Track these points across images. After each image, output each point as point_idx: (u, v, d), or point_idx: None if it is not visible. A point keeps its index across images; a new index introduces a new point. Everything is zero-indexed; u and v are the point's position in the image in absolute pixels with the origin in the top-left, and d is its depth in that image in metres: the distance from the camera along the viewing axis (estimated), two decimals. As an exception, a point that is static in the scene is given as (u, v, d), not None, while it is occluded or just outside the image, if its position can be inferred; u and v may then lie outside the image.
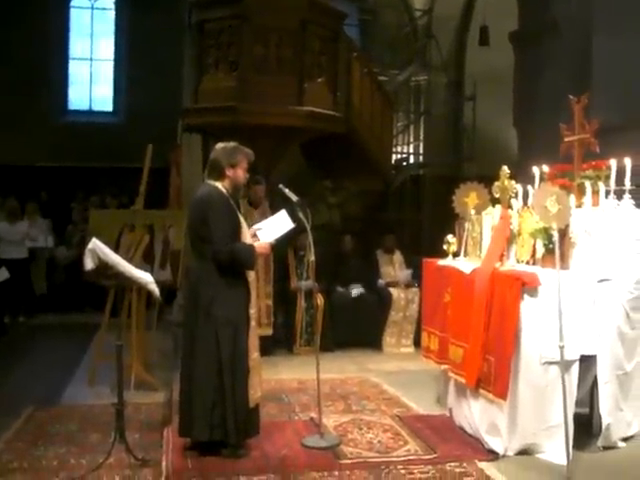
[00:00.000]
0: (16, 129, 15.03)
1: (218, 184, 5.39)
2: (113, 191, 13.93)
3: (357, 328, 9.67)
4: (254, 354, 5.49)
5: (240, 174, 5.46)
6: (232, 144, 5.53)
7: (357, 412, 6.64)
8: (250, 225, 5.72)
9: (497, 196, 6.29)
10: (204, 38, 9.27)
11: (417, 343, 8.69)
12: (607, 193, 5.94)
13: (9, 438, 5.79)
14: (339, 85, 9.65)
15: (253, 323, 5.55)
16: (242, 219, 5.49)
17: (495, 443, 5.52)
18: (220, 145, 5.54)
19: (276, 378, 7.80)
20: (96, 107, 17.49)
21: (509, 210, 6.14)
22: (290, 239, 9.54)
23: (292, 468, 5.14)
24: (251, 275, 5.49)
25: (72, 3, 17.33)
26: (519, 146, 10.97)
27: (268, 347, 8.42)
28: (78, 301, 12.21)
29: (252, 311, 5.51)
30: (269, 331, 8.10)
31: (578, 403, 5.52)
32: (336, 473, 5.07)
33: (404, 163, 14.04)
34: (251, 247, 5.39)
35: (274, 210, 7.07)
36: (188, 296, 5.50)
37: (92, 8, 17.61)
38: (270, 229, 5.62)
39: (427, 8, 13.61)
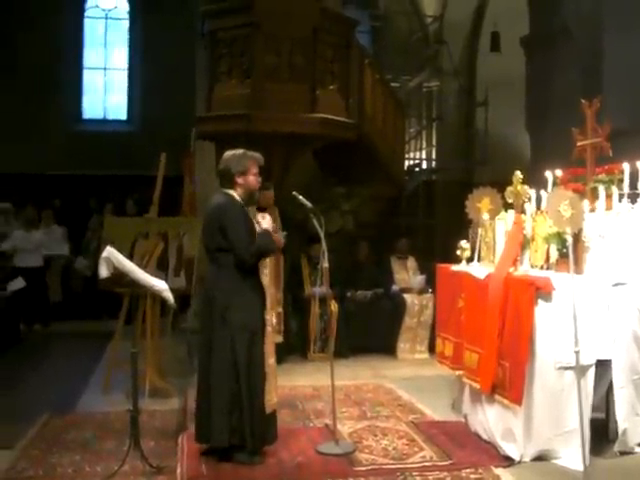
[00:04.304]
0: (31, 137, 15.10)
1: (232, 192, 5.42)
2: (134, 198, 13.87)
3: (371, 334, 9.67)
4: (270, 360, 5.51)
5: (251, 180, 5.47)
6: (240, 151, 5.53)
7: (372, 418, 6.63)
8: None
9: (510, 201, 6.28)
10: (217, 46, 9.29)
11: (432, 349, 8.65)
12: (620, 197, 5.90)
13: (25, 445, 5.81)
14: (351, 92, 9.64)
15: (269, 329, 5.57)
16: (256, 226, 5.51)
17: (511, 449, 5.50)
18: (228, 153, 5.54)
19: (290, 385, 7.80)
20: (110, 115, 17.56)
21: (522, 215, 6.13)
22: (304, 247, 9.59)
23: (307, 475, 5.15)
24: (265, 280, 5.50)
25: (86, 13, 17.43)
26: (532, 151, 10.96)
27: (281, 354, 8.42)
28: (95, 309, 12.27)
29: (268, 317, 5.52)
30: (279, 339, 8.12)
31: (594, 408, 5.50)
32: (351, 480, 5.08)
33: (417, 169, 14.02)
34: (266, 232, 5.44)
35: (286, 217, 7.09)
36: (203, 302, 5.53)
37: (106, 18, 17.69)
38: None
39: (438, 14, 13.63)
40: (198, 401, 5.45)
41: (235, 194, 5.42)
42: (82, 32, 17.23)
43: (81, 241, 13.48)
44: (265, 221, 5.50)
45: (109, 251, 5.25)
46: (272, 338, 5.70)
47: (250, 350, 5.26)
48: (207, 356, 5.36)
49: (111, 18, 17.72)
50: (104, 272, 5.25)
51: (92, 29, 17.50)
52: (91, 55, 17.43)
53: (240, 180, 5.42)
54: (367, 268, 10.33)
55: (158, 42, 15.88)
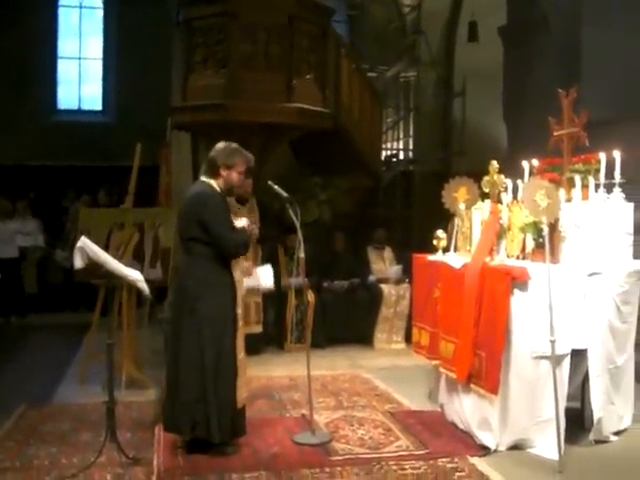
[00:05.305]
0: (5, 128, 14.96)
1: (212, 182, 5.40)
2: (106, 188, 13.81)
3: (348, 324, 9.67)
4: (240, 354, 5.48)
5: (234, 176, 5.44)
6: (234, 145, 5.52)
7: (348, 408, 6.64)
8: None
9: (487, 191, 6.29)
10: (192, 36, 9.23)
11: (408, 339, 8.68)
12: (597, 187, 5.92)
13: (1, 437, 5.79)
14: (328, 82, 9.63)
15: (240, 323, 5.53)
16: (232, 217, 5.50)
17: (487, 438, 5.52)
18: (221, 144, 5.52)
19: (267, 375, 7.80)
20: (85, 106, 17.38)
21: (499, 205, 6.14)
22: (281, 237, 9.56)
23: (283, 465, 5.13)
24: (237, 274, 5.48)
25: (60, 2, 17.21)
26: (509, 141, 10.98)
27: (259, 345, 8.40)
28: (73, 301, 12.19)
29: (239, 311, 5.50)
30: (259, 329, 8.13)
31: (569, 397, 5.53)
32: (327, 469, 5.06)
33: (394, 159, 14.01)
34: (242, 230, 5.46)
35: (262, 207, 7.06)
36: (175, 292, 5.55)
37: (80, 7, 17.50)
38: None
39: (416, 4, 13.56)
40: (167, 390, 5.44)
41: (215, 184, 5.39)
42: (56, 21, 17.04)
43: (57, 232, 13.37)
44: (241, 221, 5.49)
45: (83, 241, 5.21)
46: (243, 331, 5.67)
47: (219, 344, 5.24)
48: (176, 346, 5.34)
49: (85, 7, 17.54)
50: (79, 263, 5.22)
51: (66, 18, 17.31)
52: (65, 45, 17.25)
53: (224, 173, 5.40)
54: (344, 258, 10.32)
55: (133, 31, 15.74)
